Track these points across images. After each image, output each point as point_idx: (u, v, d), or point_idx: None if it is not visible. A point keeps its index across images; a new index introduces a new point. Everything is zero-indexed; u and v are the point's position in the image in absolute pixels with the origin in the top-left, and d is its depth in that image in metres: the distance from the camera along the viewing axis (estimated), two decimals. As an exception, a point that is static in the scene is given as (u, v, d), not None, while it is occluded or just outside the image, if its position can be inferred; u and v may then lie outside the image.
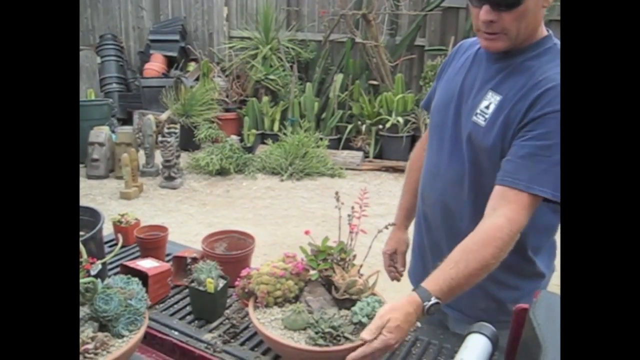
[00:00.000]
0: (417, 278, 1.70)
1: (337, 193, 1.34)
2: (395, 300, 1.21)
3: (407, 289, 1.78)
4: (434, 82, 1.67)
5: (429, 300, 1.17)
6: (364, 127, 6.57)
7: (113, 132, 6.15)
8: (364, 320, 1.24)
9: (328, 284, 1.36)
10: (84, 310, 1.20)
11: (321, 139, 6.39)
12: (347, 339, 1.21)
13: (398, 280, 1.79)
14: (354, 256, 1.39)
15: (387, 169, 6.22)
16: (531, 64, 1.34)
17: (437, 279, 1.21)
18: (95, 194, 5.38)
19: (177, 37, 7.97)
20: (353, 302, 1.30)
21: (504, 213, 1.25)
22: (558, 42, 1.37)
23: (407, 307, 1.17)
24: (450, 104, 1.48)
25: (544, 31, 1.37)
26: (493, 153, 1.35)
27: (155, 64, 7.83)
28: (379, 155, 6.49)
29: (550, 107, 1.25)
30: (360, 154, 6.45)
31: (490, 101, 1.36)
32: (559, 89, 1.24)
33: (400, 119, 6.27)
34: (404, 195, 1.79)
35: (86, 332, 1.14)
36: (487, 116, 1.36)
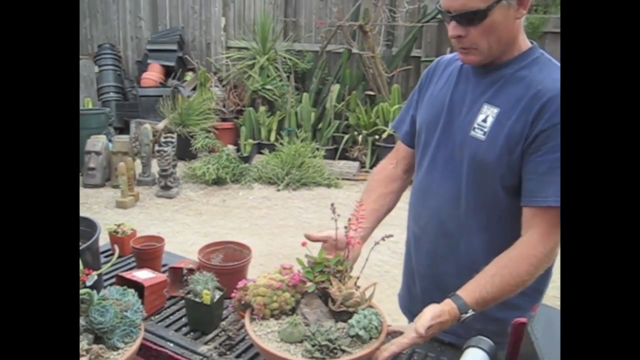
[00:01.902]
0: (403, 302, 1.71)
1: (332, 205, 1.34)
2: (436, 305, 1.26)
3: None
4: (408, 101, 1.64)
5: (466, 313, 1.23)
6: (360, 138, 6.59)
7: (110, 141, 6.14)
8: (361, 332, 1.24)
9: (325, 296, 1.35)
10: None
11: (317, 149, 6.39)
12: (344, 351, 1.20)
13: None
14: (351, 268, 1.38)
15: (384, 180, 6.22)
16: (523, 74, 1.33)
17: (474, 291, 1.26)
18: (91, 202, 5.37)
19: (174, 47, 8.00)
20: (350, 315, 1.30)
21: (537, 231, 1.27)
22: (543, 51, 1.38)
23: (446, 316, 1.23)
24: (438, 121, 1.46)
25: (527, 43, 1.37)
26: (498, 167, 1.33)
27: (153, 74, 7.85)
28: (375, 166, 6.46)
29: (557, 117, 1.24)
30: (357, 164, 6.46)
31: (487, 114, 1.35)
32: (559, 100, 1.23)
33: (397, 130, 6.28)
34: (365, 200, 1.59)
35: (81, 344, 1.13)
36: (486, 129, 1.34)
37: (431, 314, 1.23)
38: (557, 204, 1.23)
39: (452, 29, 1.30)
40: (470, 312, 1.23)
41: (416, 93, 1.61)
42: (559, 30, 6.26)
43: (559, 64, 1.34)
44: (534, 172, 1.28)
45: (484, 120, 1.35)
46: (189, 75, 7.92)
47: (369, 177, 1.74)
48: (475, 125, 1.36)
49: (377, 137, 6.47)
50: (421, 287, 1.58)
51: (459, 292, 1.27)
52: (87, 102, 7.21)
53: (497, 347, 1.18)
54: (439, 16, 6.76)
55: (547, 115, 1.25)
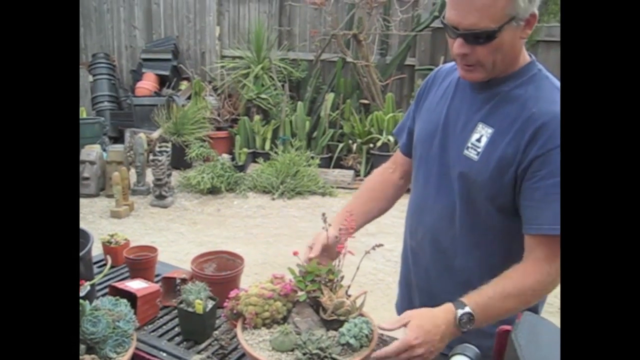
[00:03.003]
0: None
1: (324, 214, 1.35)
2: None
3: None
4: (408, 110, 1.64)
5: (462, 309, 1.20)
6: (355, 146, 6.61)
7: (104, 150, 6.14)
8: (352, 341, 1.25)
9: (316, 305, 1.37)
10: (71, 332, 1.20)
11: (312, 157, 6.41)
12: (334, 359, 1.22)
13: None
14: (342, 277, 1.40)
15: (378, 188, 6.23)
16: (518, 92, 1.31)
17: (473, 294, 1.25)
18: (86, 212, 5.36)
19: (169, 56, 8.02)
20: (341, 323, 1.31)
21: (539, 255, 1.26)
22: (542, 67, 1.36)
23: (436, 311, 1.20)
24: (434, 136, 1.45)
25: (526, 58, 1.35)
26: (489, 187, 1.32)
27: (148, 83, 7.86)
28: (369, 174, 6.48)
29: (551, 143, 1.22)
30: (352, 172, 6.48)
31: (482, 134, 1.33)
32: (555, 123, 1.22)
33: (391, 138, 6.30)
34: (352, 202, 1.68)
35: (74, 354, 1.14)
36: (479, 150, 1.33)
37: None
38: (552, 232, 1.22)
39: (458, 46, 1.27)
40: (467, 309, 1.21)
41: (414, 104, 1.61)
42: (551, 38, 6.32)
43: (556, 82, 1.33)
44: (530, 198, 1.27)
45: (478, 140, 1.34)
46: (184, 85, 7.94)
47: (366, 178, 1.75)
48: (469, 145, 1.35)
49: (371, 145, 6.49)
50: (420, 301, 1.57)
51: (464, 299, 1.25)
52: (81, 111, 7.22)
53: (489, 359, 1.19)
54: (433, 25, 6.82)
55: (541, 141, 1.24)
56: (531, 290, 1.25)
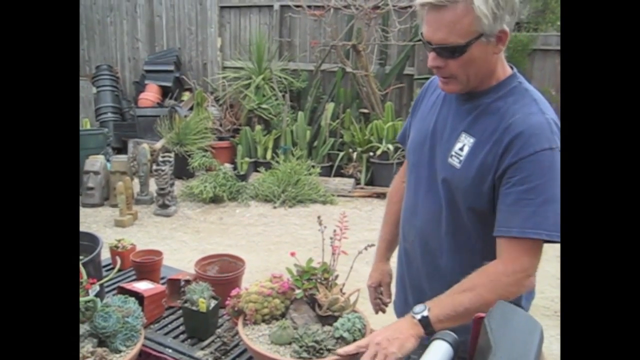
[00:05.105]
0: (400, 311, 1.75)
1: (319, 217, 1.44)
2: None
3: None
4: (408, 117, 1.72)
5: (422, 310, 1.28)
6: (355, 155, 6.69)
7: (108, 160, 6.23)
8: (345, 334, 1.34)
9: (312, 301, 1.46)
10: (84, 327, 1.28)
11: (313, 166, 6.50)
12: (329, 351, 1.30)
13: (383, 311, 1.82)
14: (336, 276, 1.48)
15: (378, 196, 6.32)
16: (499, 104, 1.39)
17: (433, 299, 1.33)
18: (90, 221, 5.45)
19: (171, 68, 8.13)
20: (335, 319, 1.40)
21: (501, 258, 1.34)
22: (522, 80, 1.43)
23: (397, 322, 1.29)
24: (424, 144, 1.53)
25: (507, 71, 1.42)
26: (469, 194, 1.40)
27: (150, 94, 7.97)
28: (370, 182, 6.60)
29: (523, 152, 1.30)
30: (352, 181, 6.55)
31: (464, 143, 1.41)
32: (528, 133, 1.31)
33: (391, 146, 6.40)
34: (384, 227, 1.83)
35: (86, 347, 1.22)
36: (462, 158, 1.41)
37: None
38: (520, 235, 1.30)
39: (431, 59, 1.35)
40: (425, 309, 1.29)
41: (411, 113, 1.70)
42: (547, 47, 6.43)
43: (535, 94, 1.41)
44: (502, 203, 1.34)
45: (461, 149, 1.42)
46: (186, 95, 8.05)
47: (387, 199, 1.86)
48: (453, 153, 1.43)
49: (371, 154, 6.57)
50: (413, 299, 1.65)
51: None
52: (85, 122, 7.31)
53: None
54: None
55: (515, 149, 1.32)
56: (482, 286, 1.31)
